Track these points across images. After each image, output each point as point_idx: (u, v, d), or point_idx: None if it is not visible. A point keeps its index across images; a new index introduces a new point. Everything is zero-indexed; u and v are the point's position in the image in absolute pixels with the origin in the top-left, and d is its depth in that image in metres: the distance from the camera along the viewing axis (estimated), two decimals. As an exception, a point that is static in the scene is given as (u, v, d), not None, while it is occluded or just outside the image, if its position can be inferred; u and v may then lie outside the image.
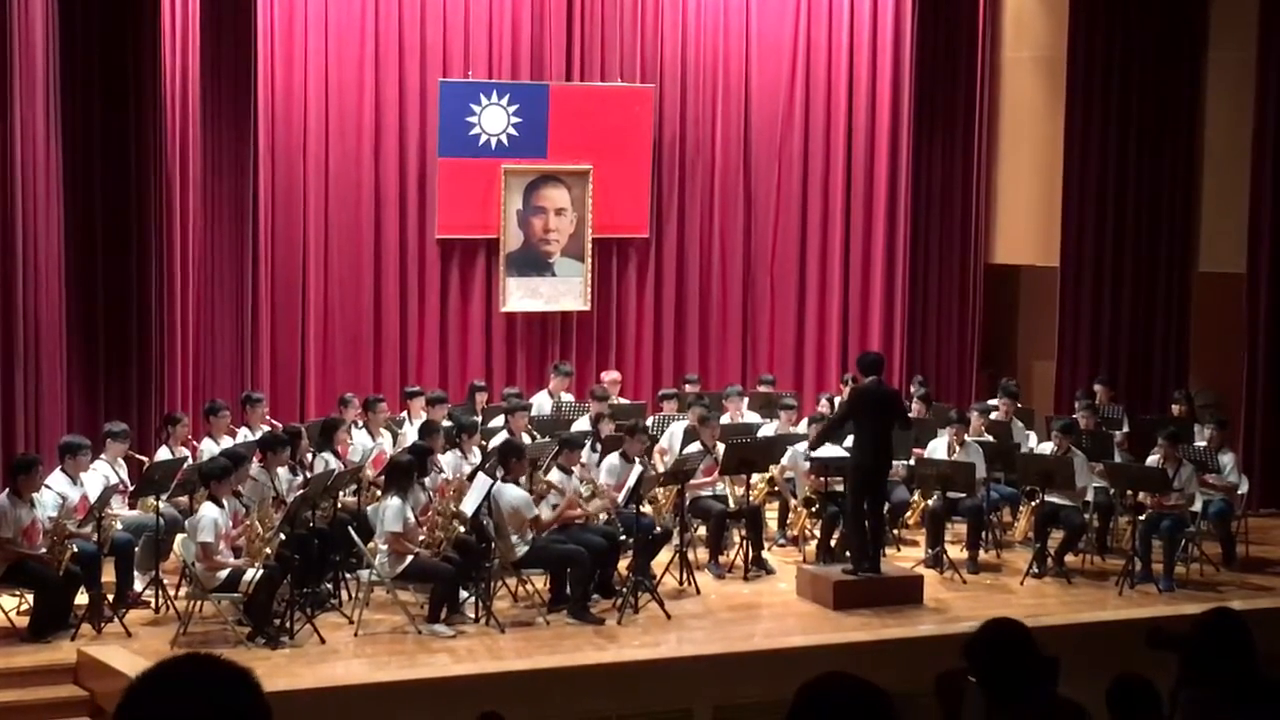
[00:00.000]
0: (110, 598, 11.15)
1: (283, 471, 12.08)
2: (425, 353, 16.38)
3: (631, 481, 12.13)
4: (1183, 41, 16.50)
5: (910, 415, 14.33)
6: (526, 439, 13.19)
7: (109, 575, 11.32)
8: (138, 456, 12.58)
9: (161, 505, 11.64)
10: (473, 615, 11.38)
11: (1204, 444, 13.88)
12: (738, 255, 17.45)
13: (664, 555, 12.53)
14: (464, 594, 11.49)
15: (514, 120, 16.29)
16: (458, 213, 16.28)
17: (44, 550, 10.84)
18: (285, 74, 15.65)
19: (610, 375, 15.94)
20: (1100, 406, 15.27)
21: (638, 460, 12.59)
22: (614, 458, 12.69)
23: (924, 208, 17.63)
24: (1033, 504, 13.53)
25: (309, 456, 12.64)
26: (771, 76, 17.37)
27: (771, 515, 14.12)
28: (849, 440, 13.19)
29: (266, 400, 14.21)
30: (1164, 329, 16.83)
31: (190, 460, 12.39)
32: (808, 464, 13.40)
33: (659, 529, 12.56)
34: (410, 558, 11.19)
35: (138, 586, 11.48)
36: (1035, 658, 4.43)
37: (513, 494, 11.67)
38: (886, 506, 12.98)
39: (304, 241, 15.85)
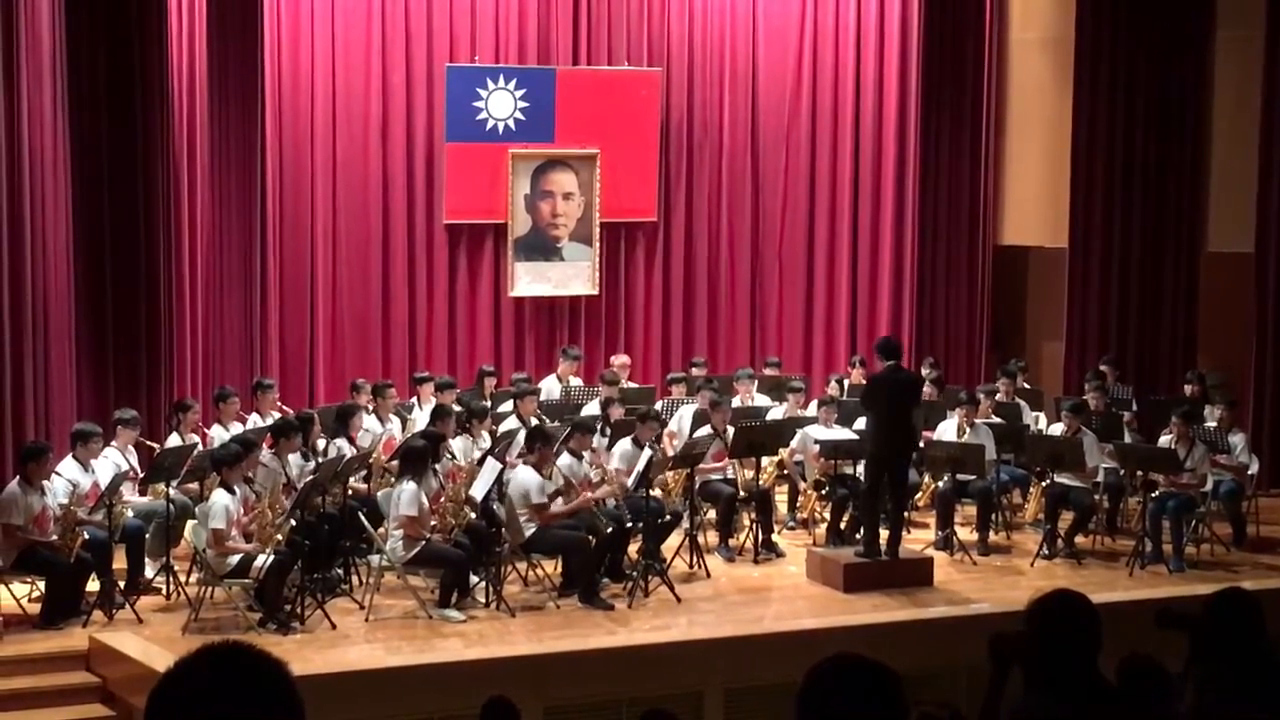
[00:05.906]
0: (121, 584, 11.17)
1: (294, 457, 12.09)
2: (434, 338, 16.38)
3: (641, 465, 12.14)
4: (1190, 21, 16.45)
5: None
6: (535, 423, 13.18)
7: (120, 562, 11.34)
8: (148, 443, 12.59)
9: (172, 492, 11.66)
10: (483, 600, 11.40)
11: (1214, 424, 13.86)
12: (745, 239, 17.43)
13: (674, 539, 12.54)
14: (474, 579, 11.50)
15: (521, 104, 16.27)
16: (465, 198, 16.27)
17: (55, 537, 10.87)
18: (292, 59, 15.64)
19: (619, 359, 15.94)
20: (1108, 387, 15.26)
21: (647, 445, 12.59)
22: (626, 443, 12.67)
23: (932, 190, 17.59)
24: (1042, 485, 13.53)
25: (321, 442, 12.65)
26: (779, 59, 17.33)
27: (781, 498, 14.11)
28: (859, 423, 13.21)
29: (276, 386, 14.23)
30: (1172, 309, 16.80)
31: (200, 447, 12.41)
32: (817, 447, 13.41)
33: (669, 514, 12.57)
34: (422, 543, 11.21)
35: (149, 573, 11.50)
36: (1097, 638, 4.35)
37: (526, 477, 11.69)
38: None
39: (312, 227, 15.85)
